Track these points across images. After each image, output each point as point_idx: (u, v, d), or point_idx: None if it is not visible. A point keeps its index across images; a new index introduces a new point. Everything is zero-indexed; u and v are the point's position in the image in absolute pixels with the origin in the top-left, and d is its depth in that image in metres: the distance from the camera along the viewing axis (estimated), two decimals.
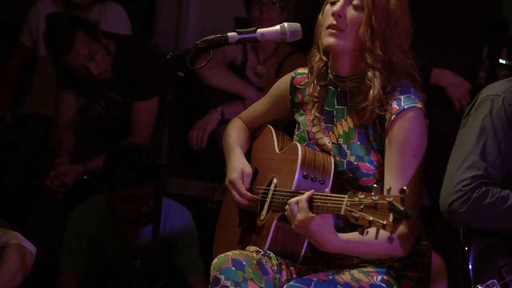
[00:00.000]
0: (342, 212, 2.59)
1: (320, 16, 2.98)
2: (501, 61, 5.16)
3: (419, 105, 2.90)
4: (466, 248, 2.90)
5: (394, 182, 2.80)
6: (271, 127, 3.23)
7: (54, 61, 4.89)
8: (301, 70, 3.14)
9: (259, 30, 2.96)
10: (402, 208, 2.43)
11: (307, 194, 2.73)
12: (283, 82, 3.17)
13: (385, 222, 2.44)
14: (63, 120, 4.93)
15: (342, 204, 2.60)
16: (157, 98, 4.83)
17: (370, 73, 2.89)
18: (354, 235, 2.75)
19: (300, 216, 2.73)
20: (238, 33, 2.94)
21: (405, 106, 2.87)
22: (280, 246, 2.95)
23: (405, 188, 2.45)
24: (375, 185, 2.55)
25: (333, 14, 2.88)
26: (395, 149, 2.86)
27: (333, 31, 2.89)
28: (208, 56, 2.96)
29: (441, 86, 4.51)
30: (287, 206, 2.78)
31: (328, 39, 2.90)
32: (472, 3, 4.44)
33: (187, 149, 5.07)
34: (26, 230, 3.94)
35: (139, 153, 4.23)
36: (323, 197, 2.72)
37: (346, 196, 2.59)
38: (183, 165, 5.19)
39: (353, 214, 2.53)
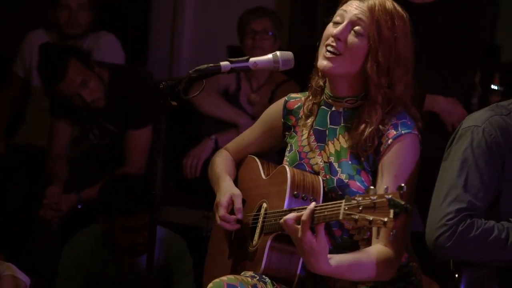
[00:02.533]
0: (340, 217, 2.57)
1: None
2: (493, 87, 5.18)
3: (415, 132, 2.91)
4: (457, 276, 2.90)
5: None
6: (253, 156, 3.21)
7: (47, 89, 4.90)
8: (294, 95, 3.15)
9: (252, 59, 2.97)
10: (402, 202, 2.44)
11: (306, 214, 2.65)
12: (276, 106, 3.18)
13: (386, 219, 2.44)
14: (57, 149, 4.93)
15: (340, 209, 2.58)
16: (151, 126, 4.84)
17: (368, 105, 2.89)
18: (343, 259, 2.75)
19: (297, 234, 2.66)
20: (231, 62, 2.95)
21: (402, 132, 2.88)
22: (275, 268, 2.92)
23: (402, 185, 2.46)
24: (371, 187, 2.54)
25: (333, 36, 2.88)
26: (390, 173, 2.85)
27: (329, 54, 2.89)
28: (201, 85, 2.97)
29: (435, 112, 4.52)
30: (281, 221, 2.71)
31: (322, 62, 2.91)
32: (464, 29, 4.46)
33: (181, 177, 5.07)
34: (20, 261, 3.93)
35: (134, 184, 4.22)
36: (319, 207, 2.69)
37: (343, 200, 2.58)
38: (177, 193, 5.18)
39: (352, 216, 2.52)
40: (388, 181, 2.84)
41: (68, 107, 4.83)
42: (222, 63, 2.94)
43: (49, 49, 4.88)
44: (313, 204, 2.68)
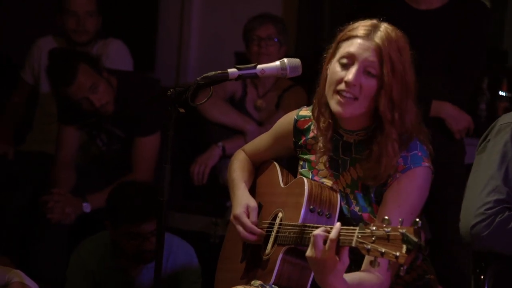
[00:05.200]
0: (353, 244, 2.55)
1: (325, 71, 2.92)
2: (501, 93, 5.18)
3: (426, 164, 2.87)
4: (482, 277, 2.90)
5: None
6: (275, 162, 3.22)
7: (57, 94, 4.90)
8: (303, 113, 3.10)
9: (259, 66, 2.97)
10: (416, 239, 2.40)
11: (335, 233, 2.61)
12: (286, 122, 3.14)
13: (398, 254, 2.41)
14: (65, 156, 4.94)
15: (353, 236, 2.56)
16: (159, 133, 4.84)
17: (384, 140, 2.83)
18: (354, 278, 2.73)
19: (324, 254, 2.62)
20: (238, 69, 2.94)
21: (412, 166, 2.85)
22: (285, 281, 2.92)
23: (417, 220, 2.42)
24: (386, 217, 2.51)
25: (348, 82, 2.81)
26: (394, 203, 2.83)
27: (343, 100, 2.83)
28: (209, 92, 2.97)
29: (441, 118, 4.52)
30: (312, 237, 2.66)
31: (337, 107, 2.85)
32: (469, 34, 4.46)
33: (188, 183, 5.07)
34: (28, 268, 3.93)
35: (142, 191, 4.22)
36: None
37: (357, 228, 2.56)
38: (184, 200, 5.19)
39: (365, 246, 2.51)
40: (389, 211, 2.80)
41: (76, 113, 4.83)
42: (230, 70, 2.94)
43: (59, 53, 4.89)
44: (339, 224, 2.64)
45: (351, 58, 2.84)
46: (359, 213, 2.90)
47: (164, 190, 2.87)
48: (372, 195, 2.90)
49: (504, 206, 2.84)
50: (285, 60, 2.98)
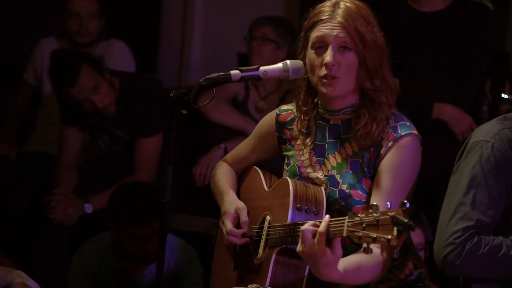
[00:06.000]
0: (344, 234, 2.57)
1: (302, 55, 2.96)
2: (503, 95, 5.17)
3: (415, 132, 2.91)
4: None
5: (385, 206, 2.77)
6: (256, 168, 3.21)
7: (59, 95, 4.90)
8: (285, 107, 3.13)
9: (262, 68, 2.97)
10: (406, 220, 2.43)
11: (324, 226, 2.65)
12: (268, 119, 3.16)
13: (389, 237, 2.44)
14: (67, 157, 4.94)
15: (343, 226, 2.58)
16: (161, 134, 4.84)
17: (371, 107, 2.90)
18: (350, 263, 2.75)
19: (314, 248, 2.66)
20: (241, 71, 2.94)
21: (402, 133, 2.89)
22: (280, 282, 2.92)
23: (405, 201, 2.46)
24: (374, 203, 2.54)
25: (327, 64, 2.86)
26: (390, 174, 2.85)
27: (328, 82, 2.88)
28: (211, 93, 2.97)
29: (443, 120, 4.52)
30: (300, 232, 2.69)
31: (324, 89, 2.90)
32: (471, 36, 4.46)
33: (190, 185, 5.07)
34: (30, 269, 3.93)
35: (145, 193, 4.22)
36: None
37: (346, 217, 2.58)
38: (186, 201, 5.19)
39: (356, 233, 2.53)
40: (387, 183, 2.84)
41: (78, 114, 4.84)
42: (232, 72, 2.94)
43: (61, 55, 4.90)
44: (327, 216, 2.67)
45: (322, 41, 2.89)
46: (347, 191, 2.91)
47: (166, 191, 2.87)
48: (366, 170, 2.91)
49: (472, 231, 2.82)
50: (288, 62, 2.98)
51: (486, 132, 2.94)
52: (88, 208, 4.77)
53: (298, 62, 2.98)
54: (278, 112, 3.13)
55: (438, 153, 4.31)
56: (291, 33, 5.16)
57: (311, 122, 3.01)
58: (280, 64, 2.98)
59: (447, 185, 2.87)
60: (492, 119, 3.05)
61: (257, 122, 5.06)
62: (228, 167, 3.27)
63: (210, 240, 4.82)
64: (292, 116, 3.08)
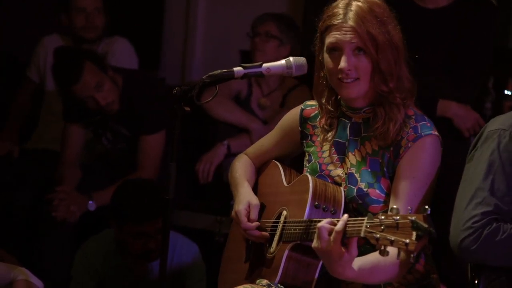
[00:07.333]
0: (362, 234, 2.56)
1: (318, 61, 2.98)
2: (506, 92, 5.16)
3: (436, 133, 2.92)
4: (476, 282, 2.88)
5: (404, 207, 2.76)
6: (277, 162, 3.22)
7: (62, 92, 4.91)
8: (310, 102, 3.14)
9: (265, 65, 2.97)
10: (426, 225, 2.41)
11: (341, 225, 2.64)
12: (292, 114, 3.17)
13: (407, 241, 2.42)
14: (70, 154, 4.94)
15: (362, 226, 2.57)
16: (164, 131, 4.84)
17: (389, 108, 2.91)
18: (366, 262, 2.74)
19: (329, 246, 2.65)
20: (244, 67, 2.95)
21: (422, 134, 2.89)
22: (291, 278, 2.92)
23: (426, 207, 2.44)
24: (394, 206, 2.52)
25: (343, 69, 2.88)
26: (409, 175, 2.86)
27: (346, 84, 2.90)
28: (214, 90, 2.97)
29: (448, 117, 4.51)
30: (316, 229, 2.68)
31: (345, 92, 2.92)
32: (475, 32, 4.46)
33: (193, 182, 5.07)
34: (33, 266, 3.93)
35: (148, 190, 4.22)
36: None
37: (366, 218, 2.57)
38: (189, 198, 5.19)
39: (374, 235, 2.51)
40: (406, 183, 2.84)
41: (81, 112, 4.84)
42: (235, 69, 2.95)
43: (64, 52, 4.90)
44: (346, 215, 2.67)
45: (336, 47, 2.90)
46: (365, 189, 2.91)
47: (170, 188, 2.87)
48: (385, 170, 2.91)
49: (491, 217, 2.81)
50: (291, 58, 2.98)
51: (504, 121, 2.95)
52: (91, 205, 4.77)
53: (301, 59, 2.99)
54: (303, 107, 3.14)
55: (445, 154, 4.31)
56: (294, 30, 5.15)
57: (334, 119, 3.03)
58: (283, 61, 2.99)
59: (454, 186, 2.86)
60: (495, 116, 3.06)
61: (259, 119, 5.11)
62: (248, 159, 3.28)
63: (213, 237, 4.83)
64: (316, 112, 3.10)
